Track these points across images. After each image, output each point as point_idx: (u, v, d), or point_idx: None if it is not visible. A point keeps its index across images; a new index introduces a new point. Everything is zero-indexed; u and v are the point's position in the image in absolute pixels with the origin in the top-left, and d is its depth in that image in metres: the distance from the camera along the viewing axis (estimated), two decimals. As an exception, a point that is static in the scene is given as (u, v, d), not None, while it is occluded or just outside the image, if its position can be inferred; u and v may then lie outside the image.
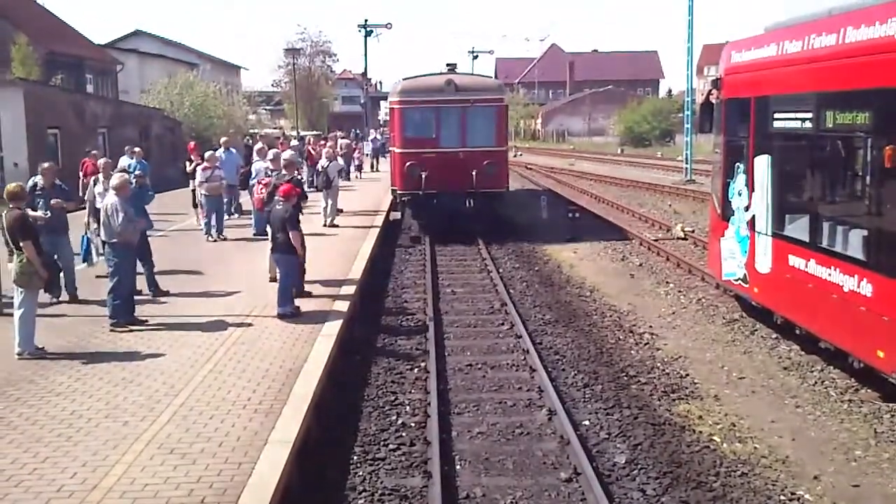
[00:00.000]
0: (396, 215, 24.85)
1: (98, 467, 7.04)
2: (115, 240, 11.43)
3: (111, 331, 11.30)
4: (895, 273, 8.88)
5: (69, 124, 33.02)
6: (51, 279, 10.78)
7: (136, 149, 21.18)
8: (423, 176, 21.34)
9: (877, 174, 9.40)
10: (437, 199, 21.56)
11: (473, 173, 21.19)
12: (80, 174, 21.27)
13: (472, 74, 28.79)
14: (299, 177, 13.75)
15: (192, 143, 24.68)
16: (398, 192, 22.92)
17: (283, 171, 13.88)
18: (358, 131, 51.78)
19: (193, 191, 20.91)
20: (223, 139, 24.71)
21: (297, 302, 12.49)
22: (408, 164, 21.66)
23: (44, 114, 30.97)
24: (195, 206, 20.99)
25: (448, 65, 24.55)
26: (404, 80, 23.33)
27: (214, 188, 18.81)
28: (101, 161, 15.65)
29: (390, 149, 25.24)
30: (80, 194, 17.70)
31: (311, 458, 8.06)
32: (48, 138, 31.30)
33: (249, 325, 11.65)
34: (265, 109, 78.43)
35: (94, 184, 14.63)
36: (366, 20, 48.43)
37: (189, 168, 21.48)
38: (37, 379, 9.35)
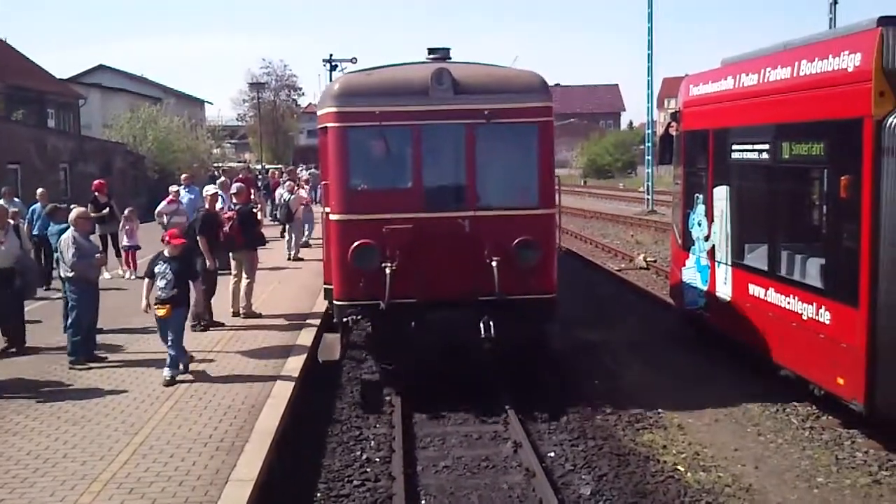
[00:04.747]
0: (331, 345, 11.05)
1: (54, 509, 6.89)
2: (70, 274, 11.29)
3: (70, 368, 11.12)
4: (853, 300, 9.01)
5: (30, 159, 32.68)
6: None
7: (40, 190, 18.42)
8: (389, 271, 10.50)
9: (832, 204, 9.59)
10: (417, 320, 10.57)
11: (493, 263, 10.56)
12: None
13: (482, 64, 11.92)
14: (226, 212, 13.55)
15: (97, 181, 19.66)
16: (337, 302, 11.16)
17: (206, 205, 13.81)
18: None
19: (102, 236, 18.16)
20: (184, 175, 21.79)
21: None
22: (356, 244, 10.62)
23: (4, 149, 30.61)
24: (115, 252, 18.44)
25: (432, 50, 11.92)
26: (348, 74, 12.93)
27: (180, 224, 18.46)
28: None
29: (324, 210, 11.66)
30: None
31: (273, 496, 7.95)
32: (8, 174, 30.87)
33: (212, 360, 11.52)
34: (230, 143, 78.23)
35: None
36: (331, 55, 48.42)
37: (94, 212, 16.60)
38: (-8, 419, 9.15)
